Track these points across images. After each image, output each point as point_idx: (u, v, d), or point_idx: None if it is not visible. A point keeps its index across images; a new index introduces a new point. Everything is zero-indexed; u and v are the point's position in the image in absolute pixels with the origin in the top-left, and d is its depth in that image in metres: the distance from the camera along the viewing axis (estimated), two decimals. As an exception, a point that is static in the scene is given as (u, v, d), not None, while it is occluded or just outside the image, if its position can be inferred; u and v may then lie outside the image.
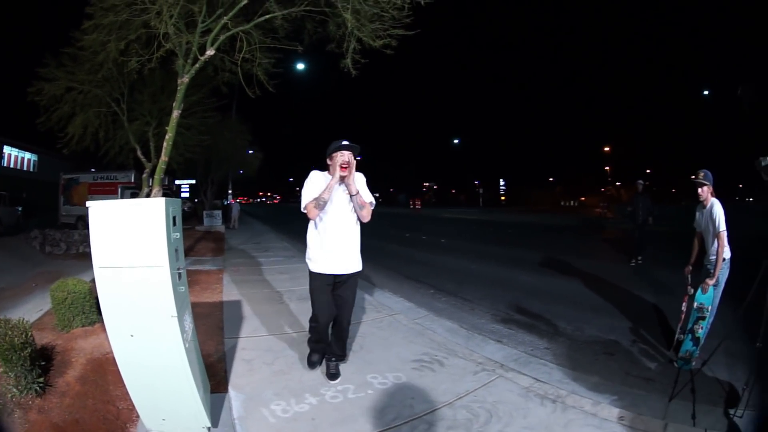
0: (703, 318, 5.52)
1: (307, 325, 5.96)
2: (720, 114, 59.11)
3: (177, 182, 44.62)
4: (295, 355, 5.14)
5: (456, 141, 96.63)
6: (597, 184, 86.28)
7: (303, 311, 6.82)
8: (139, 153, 13.70)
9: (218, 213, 26.63)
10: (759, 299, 4.12)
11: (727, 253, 5.57)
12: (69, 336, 5.36)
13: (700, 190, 5.85)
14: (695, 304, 5.59)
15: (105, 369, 4.36)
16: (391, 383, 4.50)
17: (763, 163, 4.32)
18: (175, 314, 2.91)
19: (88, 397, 3.87)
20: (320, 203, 4.28)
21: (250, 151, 38.52)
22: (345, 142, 4.37)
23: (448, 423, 3.83)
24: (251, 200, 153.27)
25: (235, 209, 27.65)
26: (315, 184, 4.43)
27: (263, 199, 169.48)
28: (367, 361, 5.06)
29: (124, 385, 3.12)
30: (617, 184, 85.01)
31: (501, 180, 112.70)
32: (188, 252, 13.75)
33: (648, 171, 77.29)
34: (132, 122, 14.08)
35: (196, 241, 17.27)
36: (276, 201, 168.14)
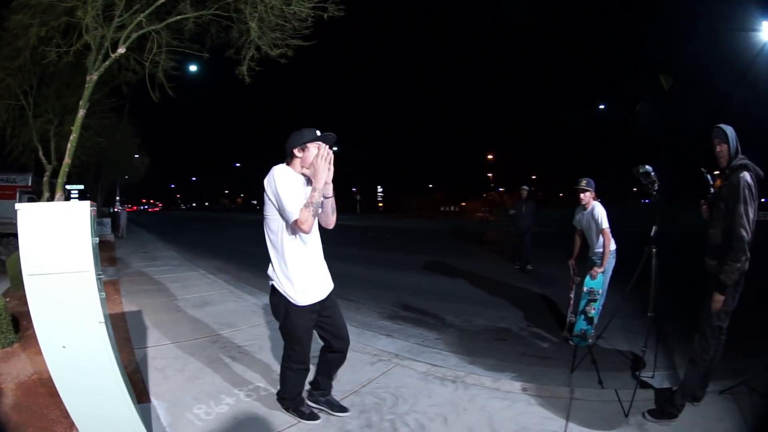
0: (595, 300, 6.26)
1: (207, 331, 6.24)
2: (613, 124, 62.45)
3: (67, 187, 41.97)
4: (201, 360, 5.24)
5: (334, 149, 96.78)
6: (479, 190, 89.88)
7: (199, 317, 7.08)
8: (40, 153, 12.99)
9: (107, 221, 25.45)
10: (643, 279, 4.67)
11: (612, 245, 6.33)
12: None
13: (582, 195, 6.55)
14: (585, 289, 6.30)
15: (35, 392, 4.24)
16: None
17: (641, 170, 4.87)
18: (103, 320, 2.93)
19: (28, 426, 3.73)
20: (317, 210, 3.48)
21: (137, 156, 36.96)
22: (319, 132, 3.75)
23: (359, 408, 4.12)
24: (135, 207, 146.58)
25: (123, 217, 26.41)
26: (296, 185, 3.61)
27: (145, 207, 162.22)
28: (269, 360, 5.25)
29: (57, 408, 3.15)
30: (500, 189, 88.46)
31: (378, 187, 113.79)
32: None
33: (534, 177, 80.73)
34: (36, 119, 13.19)
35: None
36: (157, 209, 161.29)
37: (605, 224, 6.25)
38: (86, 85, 9.49)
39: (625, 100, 62.27)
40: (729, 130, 4.18)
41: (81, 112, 9.45)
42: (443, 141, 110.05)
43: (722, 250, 4.06)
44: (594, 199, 6.57)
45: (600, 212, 6.34)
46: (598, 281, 6.28)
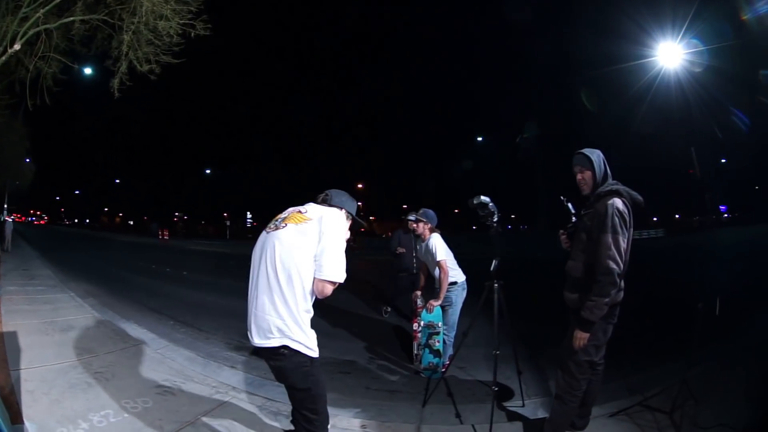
0: (437, 333, 6.22)
1: (70, 355, 6.49)
2: (491, 154, 64.13)
3: None
4: (63, 384, 5.44)
5: (207, 171, 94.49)
6: None
7: (65, 341, 7.23)
8: None
9: None
10: (486, 314, 4.75)
11: (459, 277, 6.37)
12: None
13: (415, 225, 6.58)
14: (423, 323, 6.31)
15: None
16: (141, 407, 4.92)
17: (475, 201, 4.76)
18: None
19: None
20: None
21: (27, 160, 35.28)
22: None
23: (194, 439, 4.43)
24: (23, 218, 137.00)
25: (9, 228, 24.70)
26: None
27: (32, 219, 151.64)
28: (119, 388, 5.43)
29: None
30: (371, 218, 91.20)
31: (248, 213, 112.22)
32: (-30, 276, 12.87)
33: (405, 206, 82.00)
34: None
35: (-25, 263, 15.94)
36: (43, 222, 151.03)
37: (440, 256, 6.19)
38: None
39: (504, 131, 65.70)
40: (595, 156, 3.93)
41: (-24, 109, 9.41)
42: (313, 168, 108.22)
43: (583, 283, 3.84)
44: (431, 231, 6.52)
45: (435, 244, 6.31)
46: (436, 314, 6.25)
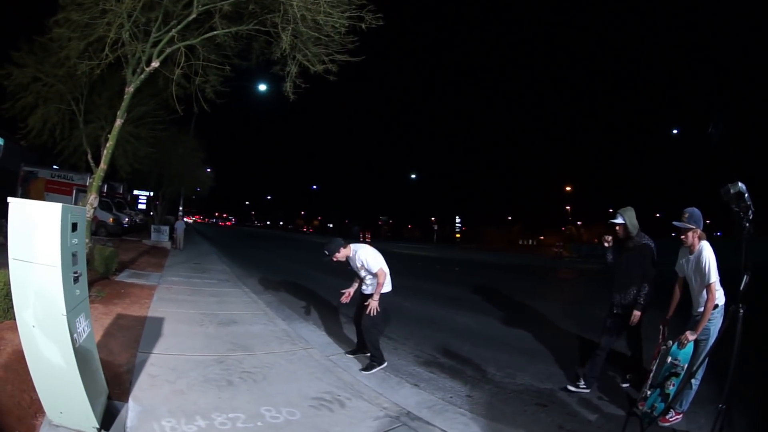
0: (677, 375, 4.89)
1: (219, 349, 6.34)
2: (685, 150, 60.25)
3: (135, 192, 46.56)
4: (196, 377, 5.17)
5: (413, 176, 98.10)
6: (558, 224, 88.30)
7: (219, 335, 7.05)
8: (89, 157, 14.03)
9: (166, 228, 26.71)
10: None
11: (720, 299, 4.89)
12: (2, 326, 5.49)
13: (683, 237, 5.13)
14: (669, 359, 4.95)
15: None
16: (284, 418, 4.39)
17: (732, 191, 3.73)
18: (65, 313, 3.16)
19: (8, 383, 4.05)
20: None
21: (208, 170, 39.04)
22: None
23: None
24: (207, 220, 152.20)
25: (180, 228, 26.14)
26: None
27: (214, 220, 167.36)
28: (266, 392, 4.99)
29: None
30: (578, 223, 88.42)
31: (457, 217, 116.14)
32: (129, 264, 14.06)
33: (611, 210, 78.61)
34: (87, 124, 14.78)
35: (139, 255, 17.44)
36: (230, 223, 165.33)
37: (713, 277, 4.79)
38: (124, 96, 10.36)
39: (697, 123, 60.42)
40: None
41: (118, 122, 10.34)
42: (524, 171, 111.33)
43: None
44: (701, 238, 5.06)
45: (708, 258, 4.87)
46: (686, 351, 4.90)
